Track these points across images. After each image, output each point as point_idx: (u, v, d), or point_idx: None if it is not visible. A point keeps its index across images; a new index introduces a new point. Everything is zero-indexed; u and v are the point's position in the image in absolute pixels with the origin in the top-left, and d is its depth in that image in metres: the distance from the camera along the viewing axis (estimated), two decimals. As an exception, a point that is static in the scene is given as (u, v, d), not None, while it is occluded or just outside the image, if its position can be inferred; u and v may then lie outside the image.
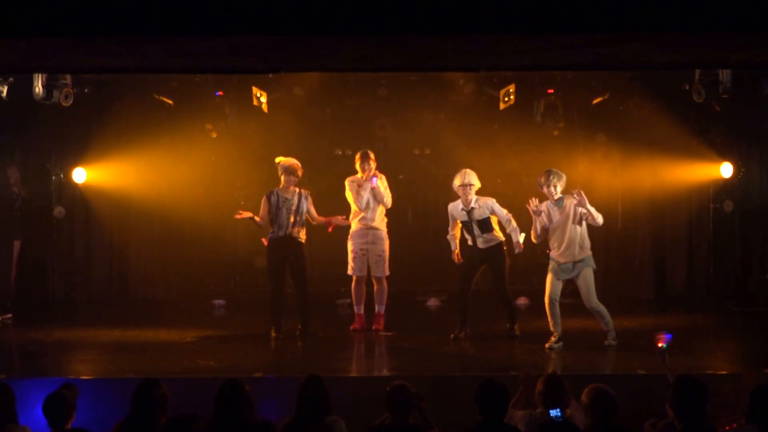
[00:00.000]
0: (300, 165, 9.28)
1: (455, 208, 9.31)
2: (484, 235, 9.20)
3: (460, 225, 9.35)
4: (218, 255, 12.25)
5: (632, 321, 10.18)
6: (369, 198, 9.43)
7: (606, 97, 11.46)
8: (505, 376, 6.35)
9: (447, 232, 9.48)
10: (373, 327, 9.57)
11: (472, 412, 5.23)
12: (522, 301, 11.31)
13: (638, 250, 12.19)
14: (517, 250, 9.13)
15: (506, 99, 11.11)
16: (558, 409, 5.39)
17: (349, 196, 9.50)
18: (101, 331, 9.69)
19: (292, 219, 9.16)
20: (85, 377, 7.43)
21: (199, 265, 12.18)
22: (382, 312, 9.61)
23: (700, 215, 11.91)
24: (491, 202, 9.23)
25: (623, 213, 12.11)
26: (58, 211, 11.70)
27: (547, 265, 8.82)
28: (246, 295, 11.64)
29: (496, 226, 9.24)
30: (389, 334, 9.41)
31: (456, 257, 9.43)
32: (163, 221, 11.96)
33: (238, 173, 11.92)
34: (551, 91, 11.32)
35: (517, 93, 11.01)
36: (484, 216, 9.18)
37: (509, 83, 11.05)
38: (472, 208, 9.17)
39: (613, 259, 12.13)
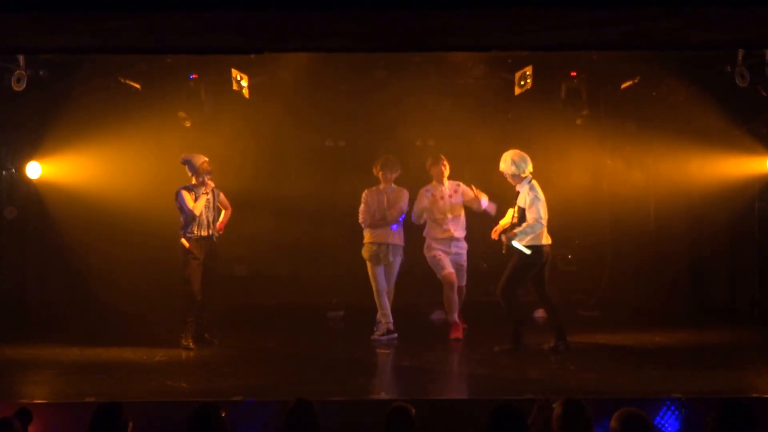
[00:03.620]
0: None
1: None
2: (522, 227, 9.19)
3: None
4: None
5: (666, 337, 10.23)
6: (450, 207, 10.13)
7: (636, 80, 11.48)
8: (518, 400, 6.39)
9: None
10: (452, 336, 9.96)
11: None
12: (539, 313, 11.30)
13: (673, 255, 12.20)
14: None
15: (522, 83, 11.12)
16: None
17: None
18: (58, 348, 9.72)
19: (211, 217, 9.82)
20: (39, 401, 7.43)
21: (170, 273, 12.19)
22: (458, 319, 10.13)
23: (744, 216, 11.89)
24: (533, 196, 9.17)
25: (656, 213, 12.14)
26: (9, 210, 11.67)
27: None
28: (223, 307, 11.64)
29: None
30: (386, 351, 9.44)
31: None
32: (128, 223, 11.93)
33: (214, 167, 11.90)
34: (574, 73, 11.33)
35: (534, 76, 11.02)
36: (521, 205, 9.26)
37: (526, 65, 11.07)
38: (518, 191, 9.31)
39: (644, 265, 12.16)
